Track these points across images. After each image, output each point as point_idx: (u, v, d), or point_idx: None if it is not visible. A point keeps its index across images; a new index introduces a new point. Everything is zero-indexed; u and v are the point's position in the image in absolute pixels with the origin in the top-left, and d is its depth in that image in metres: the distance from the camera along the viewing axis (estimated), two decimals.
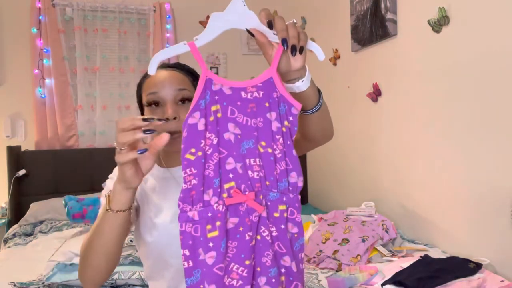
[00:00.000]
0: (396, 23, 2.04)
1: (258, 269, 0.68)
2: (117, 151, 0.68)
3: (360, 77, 2.40)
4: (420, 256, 1.57)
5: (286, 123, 0.67)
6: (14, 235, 2.30)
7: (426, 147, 1.90)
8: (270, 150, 0.67)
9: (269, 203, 0.68)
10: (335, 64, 2.67)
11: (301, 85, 0.70)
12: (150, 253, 0.92)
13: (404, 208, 2.08)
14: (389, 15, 2.08)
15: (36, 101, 2.87)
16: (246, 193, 0.67)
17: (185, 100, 0.87)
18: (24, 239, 2.24)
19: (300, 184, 0.68)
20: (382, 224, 1.83)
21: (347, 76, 2.54)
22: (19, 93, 2.88)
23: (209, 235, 0.66)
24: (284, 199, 0.67)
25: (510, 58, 1.46)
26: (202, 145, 0.66)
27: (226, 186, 0.68)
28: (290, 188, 0.67)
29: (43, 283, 1.56)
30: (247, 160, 0.67)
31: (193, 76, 0.90)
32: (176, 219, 0.90)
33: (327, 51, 2.72)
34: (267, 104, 0.67)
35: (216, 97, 0.67)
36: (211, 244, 0.66)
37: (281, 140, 0.67)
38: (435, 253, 1.69)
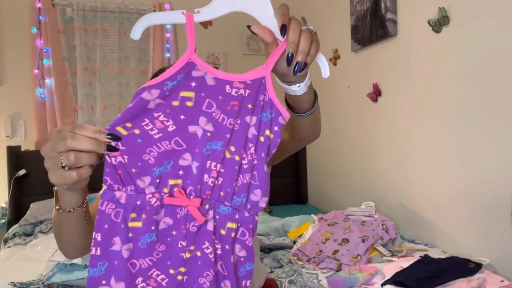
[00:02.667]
0: (396, 23, 2.04)
1: None
2: (51, 158, 0.54)
3: (360, 77, 2.40)
4: (420, 256, 1.57)
5: (267, 132, 0.57)
6: (14, 235, 2.30)
7: (426, 147, 1.90)
8: (237, 158, 0.57)
9: (217, 217, 0.59)
10: (335, 64, 2.67)
11: (297, 90, 0.64)
12: None
13: (404, 208, 2.08)
14: (389, 15, 2.08)
15: (36, 101, 2.87)
16: (192, 197, 0.58)
17: None
18: (24, 239, 2.24)
19: (262, 205, 0.58)
20: (382, 224, 1.83)
21: (347, 76, 2.54)
22: (19, 93, 2.88)
23: (131, 224, 0.57)
24: (237, 216, 0.58)
25: (510, 58, 1.46)
26: (144, 124, 0.56)
27: (171, 182, 0.58)
28: (248, 206, 0.58)
29: (43, 283, 1.56)
30: (208, 162, 0.57)
31: None
32: None
33: (327, 51, 2.72)
34: (250, 106, 0.57)
35: (193, 84, 0.57)
36: (130, 235, 0.57)
37: (252, 150, 0.57)
38: (435, 253, 1.69)
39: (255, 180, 0.58)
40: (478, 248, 1.63)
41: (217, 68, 3.27)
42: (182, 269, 0.59)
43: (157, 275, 0.58)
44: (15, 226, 2.42)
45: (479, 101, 1.60)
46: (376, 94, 2.25)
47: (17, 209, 2.62)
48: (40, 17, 2.85)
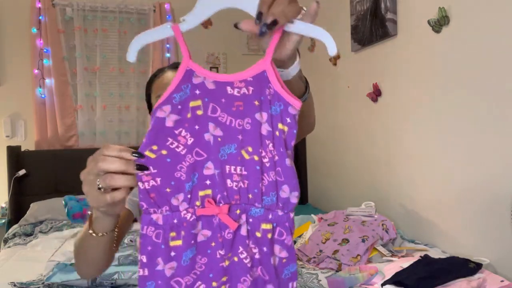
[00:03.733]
0: (396, 23, 2.04)
1: None
2: (88, 181, 0.58)
3: (360, 77, 2.40)
4: (420, 256, 1.57)
5: (280, 125, 0.56)
6: (14, 235, 2.30)
7: (426, 147, 1.90)
8: (256, 158, 0.56)
9: (250, 220, 0.58)
10: (335, 64, 2.67)
11: (288, 72, 0.61)
12: None
13: (404, 208, 2.08)
14: (389, 15, 2.08)
15: (36, 101, 2.87)
16: (221, 205, 0.58)
17: None
18: (24, 239, 2.24)
19: (294, 200, 0.57)
20: (382, 224, 1.83)
21: (347, 76, 2.54)
22: (19, 93, 2.88)
23: (172, 243, 0.58)
24: (270, 216, 0.57)
25: (510, 58, 1.46)
26: (168, 143, 0.57)
27: (201, 193, 0.58)
28: (280, 205, 0.57)
29: (43, 283, 1.56)
30: (227, 167, 0.57)
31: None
32: None
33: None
34: (257, 103, 0.56)
35: (197, 92, 0.57)
36: (172, 254, 0.58)
37: (271, 147, 0.56)
38: (435, 253, 1.69)
39: (280, 176, 0.56)
40: (478, 248, 1.63)
41: (217, 68, 3.29)
42: (224, 279, 0.58)
43: None
44: (15, 226, 2.42)
45: (479, 101, 1.60)
46: (376, 94, 2.25)
47: (17, 209, 2.62)
48: (40, 17, 2.85)
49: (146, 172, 0.56)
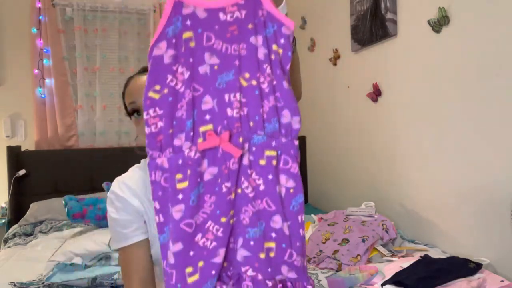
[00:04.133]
0: (396, 23, 2.04)
1: (237, 230, 0.56)
2: None
3: (360, 77, 2.40)
4: (420, 256, 1.57)
5: (275, 47, 0.54)
6: (14, 235, 2.30)
7: (426, 147, 1.90)
8: (255, 83, 0.54)
9: (253, 148, 0.55)
10: (335, 64, 2.67)
11: (281, 10, 0.59)
12: (154, 262, 0.93)
13: (404, 208, 2.08)
14: (389, 15, 2.08)
15: (36, 101, 2.87)
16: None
17: None
18: (24, 239, 2.24)
19: (296, 126, 0.55)
20: (382, 224, 1.83)
21: (347, 76, 2.54)
22: (19, 93, 2.88)
23: (179, 186, 0.55)
24: (274, 143, 0.55)
25: (510, 58, 1.46)
26: (168, 81, 0.56)
27: (201, 129, 0.56)
28: (283, 131, 0.55)
29: (43, 283, 1.56)
30: (226, 96, 0.55)
31: None
32: None
33: (327, 51, 2.72)
34: (250, 26, 0.54)
35: (188, 22, 0.55)
36: (180, 197, 0.55)
37: (268, 70, 0.54)
38: (435, 253, 1.69)
39: (279, 101, 0.55)
40: (478, 248, 1.63)
41: None
42: (232, 212, 0.56)
43: (213, 227, 0.56)
44: (15, 226, 2.42)
45: (479, 101, 1.60)
46: (376, 94, 2.25)
47: (17, 209, 2.62)
48: (40, 17, 2.85)
49: (153, 113, 0.55)
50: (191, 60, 0.55)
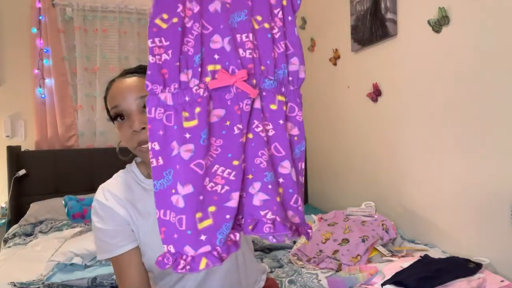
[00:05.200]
0: (396, 23, 2.04)
1: (250, 176, 0.53)
2: None
3: (360, 77, 2.40)
4: (420, 256, 1.57)
5: None
6: (14, 235, 2.30)
7: (426, 147, 1.90)
8: (267, 26, 0.52)
9: (264, 93, 0.53)
10: (335, 64, 2.67)
11: None
12: (149, 268, 0.92)
13: (404, 208, 2.08)
14: (389, 15, 2.08)
15: (36, 101, 2.87)
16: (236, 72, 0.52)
17: None
18: (24, 239, 2.24)
19: (302, 75, 0.54)
20: (382, 224, 1.83)
21: (347, 76, 2.54)
22: (19, 93, 2.88)
23: (186, 124, 0.52)
24: (283, 89, 0.54)
25: (510, 58, 1.46)
26: (179, 10, 0.51)
27: (210, 68, 0.53)
28: (290, 78, 0.54)
29: (43, 283, 1.56)
30: (238, 36, 0.52)
31: None
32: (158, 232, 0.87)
33: (327, 51, 2.72)
34: None
35: None
36: (187, 135, 0.52)
37: (280, 15, 0.52)
38: (435, 253, 1.69)
39: (288, 48, 0.53)
40: (478, 248, 1.63)
41: None
42: (243, 156, 0.53)
43: (222, 171, 0.52)
44: (15, 226, 2.42)
45: (479, 101, 1.60)
46: (376, 94, 2.25)
47: (17, 209, 2.62)
48: (40, 17, 2.85)
49: (158, 43, 0.51)
50: None
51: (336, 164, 2.78)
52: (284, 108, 0.53)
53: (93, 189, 2.96)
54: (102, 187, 0.90)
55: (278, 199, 0.52)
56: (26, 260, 1.87)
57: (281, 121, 0.53)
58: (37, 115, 2.88)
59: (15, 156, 2.67)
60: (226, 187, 0.51)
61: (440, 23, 1.75)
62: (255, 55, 0.52)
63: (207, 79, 0.53)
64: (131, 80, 0.83)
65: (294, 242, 1.98)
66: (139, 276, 0.87)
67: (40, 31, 2.85)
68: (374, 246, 1.74)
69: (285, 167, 0.55)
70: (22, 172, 2.64)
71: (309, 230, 0.54)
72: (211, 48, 0.52)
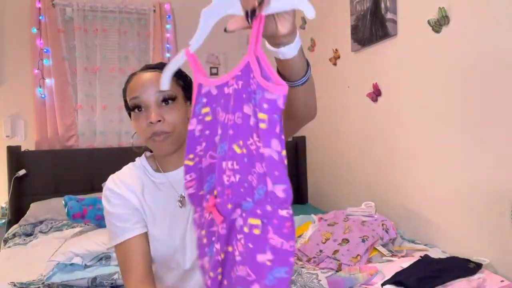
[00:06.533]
0: (396, 23, 2.04)
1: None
2: None
3: (360, 77, 2.40)
4: (420, 256, 1.58)
5: (260, 115, 0.52)
6: (14, 235, 2.30)
7: (426, 147, 1.90)
8: (245, 150, 0.55)
9: (244, 214, 0.56)
10: (335, 64, 2.67)
11: (286, 52, 0.60)
12: (153, 260, 0.93)
13: (404, 208, 2.08)
14: (389, 15, 2.08)
15: (36, 101, 2.87)
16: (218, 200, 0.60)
17: (168, 100, 0.85)
18: (24, 239, 2.24)
19: (280, 194, 0.51)
20: (382, 224, 1.83)
21: (347, 76, 2.54)
22: (19, 93, 2.88)
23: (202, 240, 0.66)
24: (259, 211, 0.53)
25: (510, 58, 1.46)
26: (198, 151, 0.64)
27: (215, 192, 0.61)
28: (269, 199, 0.52)
29: (43, 283, 1.56)
30: (223, 164, 0.58)
31: (177, 75, 0.88)
32: (173, 229, 0.91)
33: (327, 51, 2.72)
34: (244, 96, 0.55)
35: (205, 100, 0.62)
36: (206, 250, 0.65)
37: (255, 137, 0.54)
38: (435, 253, 1.69)
39: (265, 168, 0.53)
40: (478, 248, 1.63)
41: (217, 68, 3.28)
42: (219, 270, 0.61)
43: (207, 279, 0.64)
44: (15, 226, 2.42)
45: (479, 101, 1.60)
46: (376, 94, 2.25)
47: (17, 209, 2.62)
48: (40, 17, 2.85)
49: (189, 178, 0.65)
50: (207, 132, 0.63)
51: (336, 164, 2.78)
52: (256, 231, 0.53)
53: (93, 189, 2.98)
54: (112, 177, 0.94)
55: None
56: (26, 260, 1.87)
57: (250, 245, 0.54)
58: (37, 115, 2.88)
59: (15, 156, 2.67)
60: None
61: (440, 23, 1.75)
62: (233, 180, 0.56)
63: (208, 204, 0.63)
64: (152, 74, 0.87)
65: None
66: (143, 263, 0.88)
67: (40, 31, 2.85)
68: (374, 246, 1.74)
69: None
70: (22, 172, 2.64)
71: None
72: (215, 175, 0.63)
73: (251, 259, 0.54)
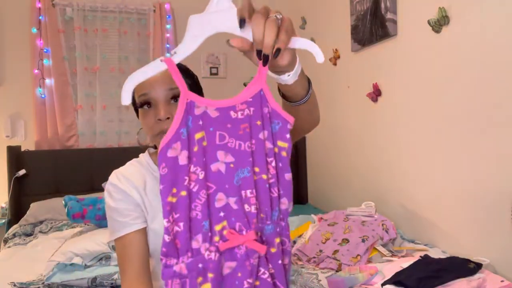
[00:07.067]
0: (396, 23, 2.04)
1: None
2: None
3: (360, 77, 2.40)
4: (420, 256, 1.57)
5: (280, 143, 0.57)
6: (14, 235, 2.30)
7: (426, 147, 1.90)
8: (264, 177, 0.57)
9: (264, 238, 0.58)
10: (335, 64, 2.67)
11: (288, 79, 0.62)
12: (153, 256, 0.94)
13: (404, 208, 2.08)
14: (389, 15, 2.08)
15: (36, 101, 2.87)
16: (244, 232, 0.57)
17: (177, 97, 0.84)
18: (24, 239, 2.24)
19: (290, 209, 0.60)
20: (382, 224, 1.83)
21: (347, 76, 2.54)
22: (19, 93, 2.88)
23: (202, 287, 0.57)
24: (278, 229, 0.59)
25: (510, 58, 1.46)
26: (186, 182, 0.55)
27: (217, 227, 0.57)
28: (281, 216, 0.59)
29: (43, 283, 1.56)
30: (243, 193, 0.56)
31: (185, 73, 0.88)
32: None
33: (327, 51, 2.72)
34: (259, 123, 0.57)
35: (200, 123, 0.56)
36: None
37: (273, 164, 0.57)
38: (435, 253, 1.69)
39: (280, 190, 0.58)
40: (478, 248, 1.63)
41: (217, 68, 3.28)
42: None
43: None
44: (15, 226, 2.42)
45: (479, 101, 1.60)
46: (376, 94, 2.25)
47: (17, 209, 2.62)
48: (40, 17, 2.85)
49: (171, 219, 0.56)
50: (204, 159, 0.57)
51: (336, 164, 2.78)
52: (281, 247, 0.59)
53: (93, 189, 2.98)
54: (115, 172, 0.95)
55: None
56: (26, 260, 1.87)
57: (279, 261, 0.59)
58: (37, 115, 2.88)
59: (15, 156, 2.67)
60: None
61: (440, 23, 1.75)
62: (257, 207, 0.57)
63: (216, 238, 0.57)
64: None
65: (294, 242, 1.98)
66: (141, 258, 0.90)
67: (40, 31, 2.85)
68: (374, 246, 1.74)
69: None
70: (22, 172, 2.64)
71: None
72: (216, 207, 0.57)
73: (279, 273, 0.59)
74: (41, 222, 2.42)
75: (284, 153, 0.57)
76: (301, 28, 3.03)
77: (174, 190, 0.55)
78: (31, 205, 2.52)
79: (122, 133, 3.07)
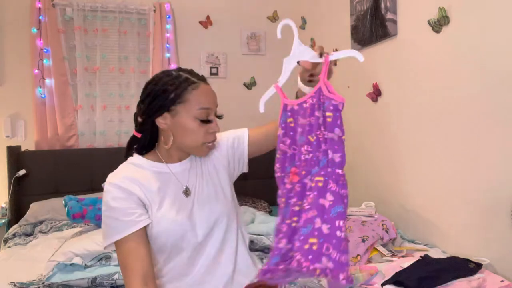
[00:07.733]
0: (396, 23, 2.04)
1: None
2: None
3: (360, 77, 2.40)
4: (420, 256, 1.58)
5: (327, 113, 0.84)
6: (14, 235, 2.30)
7: (426, 147, 1.90)
8: (315, 138, 0.84)
9: (312, 178, 0.83)
10: (335, 64, 2.67)
11: (308, 90, 0.90)
12: (164, 246, 0.96)
13: (404, 208, 2.08)
14: (389, 15, 2.08)
15: (36, 101, 2.86)
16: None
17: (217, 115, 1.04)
18: (24, 239, 2.24)
19: (338, 159, 0.82)
20: (382, 224, 1.83)
21: (347, 76, 2.54)
22: (19, 93, 2.87)
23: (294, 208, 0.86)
24: (323, 172, 0.82)
25: (510, 58, 1.46)
26: (282, 147, 0.89)
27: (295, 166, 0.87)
28: (329, 164, 0.82)
29: (43, 283, 1.56)
30: (303, 148, 0.86)
31: None
32: (180, 211, 0.97)
33: (327, 51, 2.71)
34: (316, 106, 0.85)
35: (289, 113, 0.90)
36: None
37: (322, 129, 0.84)
38: (435, 253, 1.69)
39: (326, 146, 0.83)
40: (478, 248, 1.63)
41: (217, 68, 3.28)
42: (295, 218, 0.82)
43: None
44: (15, 226, 2.42)
45: (479, 101, 1.60)
46: (376, 94, 2.25)
47: (17, 209, 2.62)
48: (40, 17, 2.85)
49: (277, 166, 0.90)
50: (291, 133, 0.89)
51: None
52: (320, 184, 0.81)
53: (93, 189, 2.98)
54: (113, 174, 0.98)
55: (306, 247, 0.77)
56: (26, 260, 1.87)
57: (315, 193, 0.81)
58: (37, 115, 2.87)
59: (15, 156, 2.67)
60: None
61: (440, 23, 1.75)
62: (307, 157, 0.85)
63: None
64: (211, 88, 1.04)
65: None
66: (144, 259, 0.91)
67: (40, 31, 2.85)
68: (374, 246, 1.74)
69: (317, 223, 0.78)
70: (22, 172, 2.64)
71: (341, 275, 0.72)
72: (296, 159, 0.89)
73: (316, 202, 0.79)
74: (41, 222, 2.41)
75: (329, 119, 0.83)
76: (301, 28, 3.03)
77: (279, 152, 0.90)
78: (31, 205, 2.52)
79: (122, 133, 3.07)
